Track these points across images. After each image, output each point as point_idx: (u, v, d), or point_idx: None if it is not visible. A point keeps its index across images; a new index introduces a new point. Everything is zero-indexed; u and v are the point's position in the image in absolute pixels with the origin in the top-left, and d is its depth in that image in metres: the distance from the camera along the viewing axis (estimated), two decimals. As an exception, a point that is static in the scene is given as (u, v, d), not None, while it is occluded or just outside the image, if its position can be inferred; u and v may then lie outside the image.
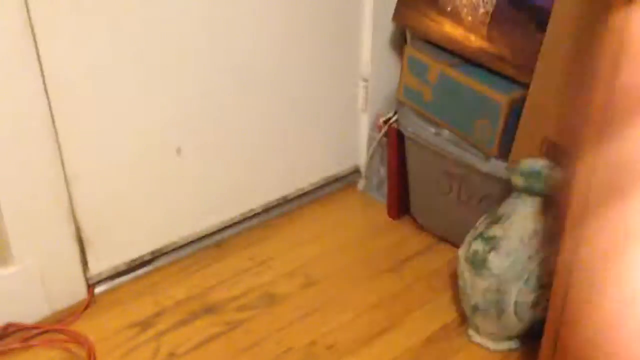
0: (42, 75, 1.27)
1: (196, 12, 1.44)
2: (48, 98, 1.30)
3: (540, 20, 1.38)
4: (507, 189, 1.49)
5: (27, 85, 1.25)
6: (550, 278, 1.31)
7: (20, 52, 1.22)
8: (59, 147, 1.35)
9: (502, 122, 1.45)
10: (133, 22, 1.36)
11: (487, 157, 1.51)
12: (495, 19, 1.46)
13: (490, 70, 1.50)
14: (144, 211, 1.55)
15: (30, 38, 1.23)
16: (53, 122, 1.32)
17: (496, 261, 1.32)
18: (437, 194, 1.68)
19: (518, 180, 1.30)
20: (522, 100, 1.42)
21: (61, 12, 1.26)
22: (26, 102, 1.27)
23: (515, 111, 1.44)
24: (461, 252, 1.40)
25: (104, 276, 1.52)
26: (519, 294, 1.32)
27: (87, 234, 1.47)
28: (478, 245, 1.34)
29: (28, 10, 1.21)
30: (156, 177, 1.54)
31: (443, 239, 1.74)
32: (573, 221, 0.58)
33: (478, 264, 1.33)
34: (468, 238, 1.39)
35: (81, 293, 1.47)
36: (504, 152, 1.48)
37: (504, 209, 1.34)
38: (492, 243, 1.32)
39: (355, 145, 1.94)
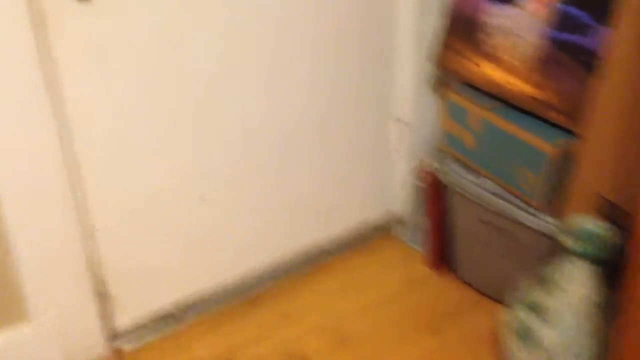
0: (67, 128, 1.23)
1: (221, 59, 1.39)
2: (72, 150, 1.26)
3: (589, 63, 1.26)
4: (553, 245, 1.36)
5: (49, 137, 1.22)
6: (607, 354, 1.17)
7: (44, 104, 1.19)
8: (81, 200, 1.31)
9: (548, 174, 1.33)
10: (157, 72, 1.31)
11: (532, 210, 1.39)
12: (540, 62, 1.35)
13: (535, 117, 1.38)
14: (168, 262, 1.49)
15: (55, 88, 1.19)
16: (79, 176, 1.28)
17: (545, 334, 1.19)
18: (478, 245, 1.56)
19: (570, 242, 1.18)
20: (570, 150, 1.31)
21: (86, 62, 1.22)
22: (48, 154, 1.23)
23: (563, 162, 1.32)
24: (505, 317, 1.28)
25: (126, 331, 1.46)
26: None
27: (109, 287, 1.41)
28: (524, 314, 1.21)
29: (55, 68, 1.18)
30: (180, 226, 1.47)
31: (485, 294, 1.62)
32: None
33: (525, 335, 1.21)
34: (512, 301, 1.27)
35: (101, 350, 1.41)
36: (551, 204, 1.36)
37: (552, 272, 1.22)
38: (539, 312, 1.20)
39: (394, 192, 1.85)
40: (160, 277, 1.49)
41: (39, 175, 1.23)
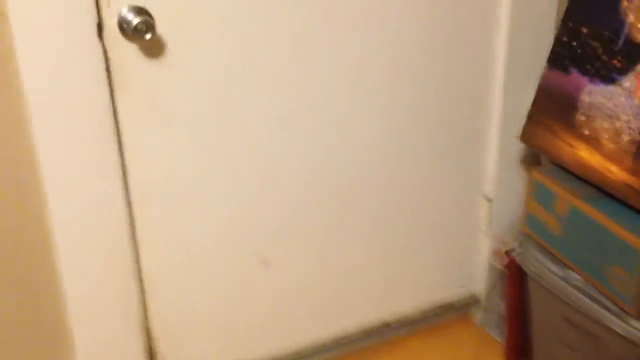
0: (125, 182, 1.23)
1: (284, 117, 1.34)
2: (130, 205, 1.25)
3: (700, 155, 1.11)
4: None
5: (109, 191, 1.21)
6: None
7: (105, 158, 1.19)
8: (137, 254, 1.28)
9: (645, 276, 1.16)
10: (217, 130, 1.29)
11: (624, 315, 1.22)
12: (642, 149, 1.20)
13: (632, 209, 1.23)
14: (222, 324, 1.43)
15: (116, 145, 1.19)
16: (133, 229, 1.27)
17: None
18: (560, 345, 1.39)
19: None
20: (673, 251, 1.14)
21: (148, 117, 1.21)
22: (107, 208, 1.22)
23: (663, 264, 1.15)
24: None
25: (171, 393, 1.41)
26: None
27: (159, 346, 1.37)
28: None
29: (117, 122, 1.18)
30: (238, 288, 1.42)
31: (568, 400, 1.44)
32: None
33: None
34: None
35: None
36: (647, 311, 1.19)
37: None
38: None
39: (473, 271, 1.71)
40: (213, 341, 1.43)
41: (101, 228, 1.22)
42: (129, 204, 1.25)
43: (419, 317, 1.68)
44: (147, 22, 1.11)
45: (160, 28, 1.16)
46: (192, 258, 1.35)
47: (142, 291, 1.32)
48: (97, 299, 1.27)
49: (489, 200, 1.62)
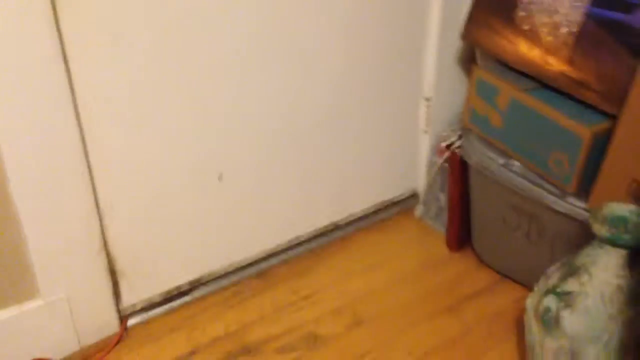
0: (74, 101, 1.18)
1: (242, 34, 1.32)
2: (80, 125, 1.20)
3: (632, 43, 1.20)
4: (585, 231, 1.31)
5: (58, 112, 1.15)
6: (634, 341, 1.14)
7: (51, 77, 1.12)
8: (92, 176, 1.25)
9: (583, 157, 1.27)
10: (173, 46, 1.25)
11: (563, 194, 1.34)
12: (580, 40, 1.28)
13: (570, 98, 1.32)
14: (182, 240, 1.44)
15: (61, 61, 1.13)
16: (85, 150, 1.23)
17: (571, 320, 1.15)
18: (503, 229, 1.51)
19: (601, 228, 1.13)
20: (607, 133, 1.25)
21: (99, 35, 1.16)
22: (58, 129, 1.16)
23: (598, 145, 1.26)
24: (530, 303, 1.24)
25: (137, 308, 1.43)
26: (596, 359, 1.15)
27: (120, 264, 1.37)
28: (551, 302, 1.17)
29: (61, 35, 1.12)
30: (196, 203, 1.43)
31: (507, 276, 1.58)
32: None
33: (550, 322, 1.17)
34: (539, 287, 1.23)
35: (113, 327, 1.37)
36: (583, 189, 1.31)
37: (582, 259, 1.17)
38: (567, 300, 1.16)
39: (414, 169, 1.80)
40: (173, 256, 1.45)
41: (53, 151, 1.17)
42: (79, 122, 1.20)
43: (365, 215, 1.76)
44: None
45: None
46: (148, 177, 1.34)
47: (99, 213, 1.30)
48: (57, 224, 1.23)
49: (428, 99, 1.69)
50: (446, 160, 1.65)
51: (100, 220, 1.30)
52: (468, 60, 1.67)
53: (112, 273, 1.35)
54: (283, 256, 1.63)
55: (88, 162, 1.24)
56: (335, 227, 1.72)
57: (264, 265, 1.60)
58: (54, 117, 1.15)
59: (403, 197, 1.82)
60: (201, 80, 1.31)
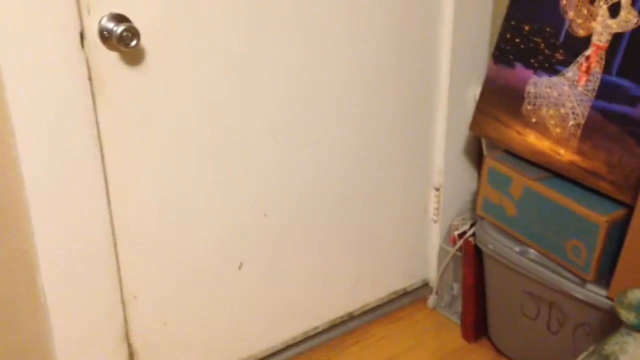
0: (107, 192, 1.20)
1: (263, 128, 1.38)
2: (110, 216, 1.22)
3: (637, 133, 1.26)
4: (606, 319, 1.32)
5: (96, 201, 1.19)
6: None
7: (86, 167, 1.16)
8: (118, 268, 1.26)
9: (600, 245, 1.30)
10: (199, 139, 1.29)
11: (582, 282, 1.35)
12: (587, 132, 1.34)
13: (583, 187, 1.37)
14: (201, 332, 1.43)
15: (98, 153, 1.16)
16: (114, 242, 1.24)
17: (604, 409, 1.14)
18: (521, 318, 1.51)
19: (628, 315, 1.14)
20: (622, 220, 1.28)
21: (129, 126, 1.20)
22: (89, 220, 1.19)
23: (615, 233, 1.29)
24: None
25: (156, 405, 1.39)
26: None
27: (140, 357, 1.35)
28: (581, 390, 1.17)
29: (97, 124, 1.16)
30: (216, 294, 1.43)
31: (526, 367, 1.57)
32: None
33: (582, 412, 1.16)
34: (566, 377, 1.22)
35: None
36: (602, 276, 1.33)
37: (610, 347, 1.18)
38: (598, 388, 1.15)
39: (425, 258, 1.81)
40: (191, 348, 1.43)
41: (82, 239, 1.19)
42: (109, 211, 1.23)
43: (379, 305, 1.76)
44: (132, 29, 1.11)
45: (143, 37, 1.16)
46: (172, 268, 1.35)
47: (122, 305, 1.30)
48: (78, 317, 1.23)
49: (437, 189, 1.73)
50: (459, 249, 1.67)
51: (124, 310, 1.29)
52: (475, 150, 1.72)
53: (133, 368, 1.34)
54: (300, 348, 1.61)
55: (116, 252, 1.25)
56: (350, 318, 1.71)
57: (282, 356, 1.58)
58: (86, 202, 1.17)
59: (415, 287, 1.83)
60: (222, 171, 1.35)
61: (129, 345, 1.33)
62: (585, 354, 1.23)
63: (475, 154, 1.74)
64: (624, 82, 1.29)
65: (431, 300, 1.81)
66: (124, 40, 1.10)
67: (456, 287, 1.74)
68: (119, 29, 1.09)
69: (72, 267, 1.20)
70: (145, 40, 1.16)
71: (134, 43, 1.11)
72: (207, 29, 1.23)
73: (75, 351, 1.24)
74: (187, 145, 1.28)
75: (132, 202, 1.25)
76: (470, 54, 1.62)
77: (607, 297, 1.31)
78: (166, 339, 1.38)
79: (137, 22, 1.14)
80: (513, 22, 1.47)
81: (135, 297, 1.31)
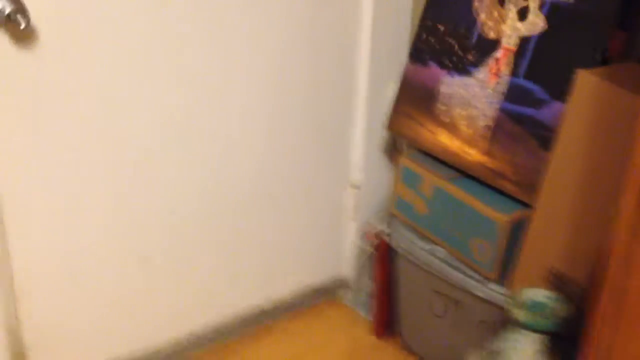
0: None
1: (163, 116, 1.34)
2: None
3: (542, 136, 1.28)
4: (505, 317, 1.34)
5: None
6: None
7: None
8: (9, 260, 1.21)
9: (502, 244, 1.32)
10: (94, 123, 1.25)
11: (486, 281, 1.37)
12: (496, 133, 1.36)
13: (489, 187, 1.39)
14: (100, 324, 1.39)
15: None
16: (3, 232, 1.19)
17: (495, 406, 1.16)
18: (428, 315, 1.53)
19: (519, 314, 1.16)
20: (524, 220, 1.31)
21: (22, 107, 1.15)
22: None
23: (517, 232, 1.32)
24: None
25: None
26: None
27: (28, 350, 1.30)
28: (474, 386, 1.18)
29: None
30: (117, 288, 1.39)
31: (433, 365, 1.58)
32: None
33: (474, 408, 1.17)
34: (463, 374, 1.24)
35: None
36: (505, 276, 1.35)
37: (501, 343, 1.20)
38: (490, 384, 1.17)
39: (342, 255, 1.81)
40: (84, 340, 1.39)
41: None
42: None
43: (292, 301, 1.75)
44: (22, 9, 1.06)
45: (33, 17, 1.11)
46: (67, 261, 1.30)
47: (13, 300, 1.25)
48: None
49: (356, 187, 1.73)
50: (373, 247, 1.67)
51: (15, 304, 1.24)
52: (394, 149, 1.73)
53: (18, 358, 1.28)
54: (208, 341, 1.58)
55: (6, 244, 1.19)
56: (261, 312, 1.69)
57: (188, 350, 1.55)
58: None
59: (329, 284, 1.82)
60: (124, 160, 1.31)
61: (20, 339, 1.27)
62: (478, 350, 1.25)
63: (396, 153, 1.74)
64: (530, 85, 1.32)
65: (346, 297, 1.81)
66: (12, 19, 1.05)
67: (371, 285, 1.74)
68: (7, 8, 1.04)
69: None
70: (37, 21, 1.11)
71: (23, 23, 1.06)
72: (106, 16, 1.19)
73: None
74: (86, 131, 1.24)
75: (24, 189, 1.20)
76: (389, 52, 1.62)
77: (506, 299, 1.33)
78: (60, 334, 1.33)
79: (30, 4, 1.09)
80: (429, 23, 1.48)
81: (27, 291, 1.26)
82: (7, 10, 1.04)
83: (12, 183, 1.18)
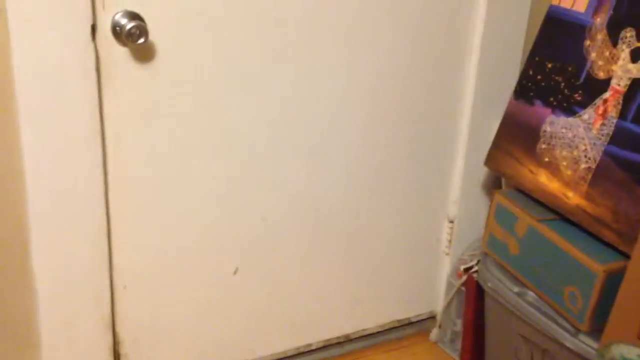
0: (105, 182, 1.25)
1: (266, 135, 1.39)
2: (107, 205, 1.27)
3: (650, 184, 1.20)
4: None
5: (94, 187, 1.23)
6: None
7: (87, 156, 1.21)
8: (111, 256, 1.30)
9: (596, 295, 1.25)
10: (201, 138, 1.32)
11: (576, 332, 1.30)
12: (598, 177, 1.29)
13: (587, 233, 1.31)
14: (190, 332, 1.45)
15: (100, 144, 1.21)
16: (109, 230, 1.28)
17: None
18: (514, 359, 1.46)
19: (607, 370, 1.09)
20: (621, 271, 1.22)
21: (134, 121, 1.24)
22: (84, 207, 1.24)
23: (613, 283, 1.23)
24: None
25: (134, 396, 1.42)
26: None
27: (125, 348, 1.38)
28: None
29: (102, 115, 1.21)
30: (208, 297, 1.44)
31: (519, 415, 1.50)
32: None
33: None
34: None
35: (107, 411, 1.37)
36: (597, 328, 1.27)
37: (587, 401, 1.12)
38: None
39: (433, 290, 1.78)
40: (176, 347, 1.45)
41: (77, 225, 1.24)
42: (106, 203, 1.27)
43: (378, 332, 1.73)
44: (141, 26, 1.15)
45: (152, 34, 1.20)
46: (165, 262, 1.38)
47: (112, 293, 1.34)
48: (66, 298, 1.28)
49: (451, 221, 1.70)
50: (463, 284, 1.63)
51: (112, 298, 1.32)
52: (493, 185, 1.69)
53: (116, 356, 1.36)
54: (288, 362, 1.61)
55: (110, 241, 1.28)
56: (347, 340, 1.69)
57: (267, 369, 1.58)
58: (88, 187, 1.22)
59: (419, 318, 1.79)
60: (224, 173, 1.37)
61: (115, 334, 1.36)
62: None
63: (493, 188, 1.70)
64: (639, 130, 1.24)
65: (434, 333, 1.77)
66: (132, 36, 1.14)
67: (459, 323, 1.69)
68: (129, 25, 1.14)
69: (64, 251, 1.24)
70: (155, 39, 1.20)
71: (141, 40, 1.15)
72: (217, 35, 1.26)
73: (61, 333, 1.28)
74: (188, 145, 1.31)
75: (130, 195, 1.29)
76: (495, 87, 1.60)
77: (596, 352, 1.24)
78: (152, 332, 1.40)
79: (150, 21, 1.19)
80: (537, 59, 1.45)
81: (125, 287, 1.34)
82: (129, 27, 1.14)
83: (120, 187, 1.27)
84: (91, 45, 1.15)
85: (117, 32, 1.17)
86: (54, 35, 1.11)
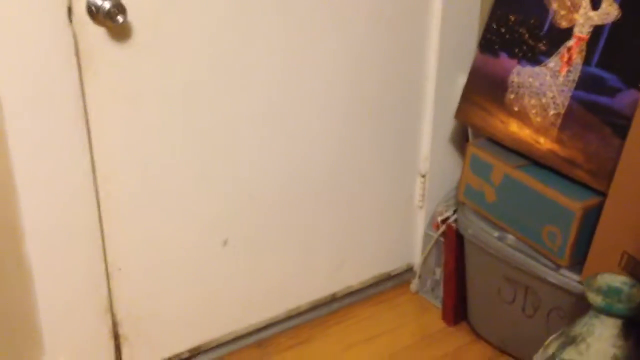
0: (92, 165, 1.23)
1: (250, 111, 1.40)
2: (96, 189, 1.26)
3: (616, 124, 1.28)
4: (579, 303, 1.35)
5: (82, 174, 1.22)
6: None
7: (72, 141, 1.19)
8: (103, 238, 1.30)
9: (575, 231, 1.33)
10: (186, 116, 1.32)
11: (557, 267, 1.39)
12: (567, 121, 1.37)
13: (560, 175, 1.40)
14: (185, 306, 1.47)
15: (84, 127, 1.20)
16: (99, 214, 1.28)
17: (570, 390, 1.17)
18: (498, 302, 1.55)
19: (596, 298, 1.17)
20: (596, 208, 1.31)
21: (116, 101, 1.23)
22: (73, 192, 1.23)
23: (589, 219, 1.32)
24: (528, 373, 1.27)
25: (138, 375, 1.43)
26: None
27: (124, 329, 1.39)
28: (549, 370, 1.20)
29: (84, 98, 1.19)
30: (200, 271, 1.46)
31: (503, 351, 1.60)
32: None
33: (549, 391, 1.19)
34: (538, 358, 1.26)
35: (113, 392, 1.38)
36: (576, 262, 1.36)
37: (579, 328, 1.21)
38: (565, 368, 1.18)
39: (410, 243, 1.84)
40: (174, 323, 1.47)
41: (68, 211, 1.23)
42: (95, 187, 1.26)
43: (362, 288, 1.79)
44: (119, 5, 1.13)
45: (130, 13, 1.18)
46: (157, 243, 1.38)
47: (107, 276, 1.34)
48: (62, 288, 1.27)
49: (423, 176, 1.76)
50: (442, 234, 1.70)
51: (108, 281, 1.33)
52: (461, 138, 1.75)
53: (116, 337, 1.37)
54: (282, 326, 1.65)
55: (101, 224, 1.28)
56: (333, 299, 1.74)
57: (264, 334, 1.62)
58: (72, 174, 1.21)
59: (399, 271, 1.86)
60: (208, 150, 1.38)
61: (113, 315, 1.36)
62: (556, 334, 1.26)
63: (462, 141, 1.77)
64: (604, 74, 1.32)
65: (414, 284, 1.85)
66: (110, 15, 1.12)
67: (438, 272, 1.77)
68: (106, 4, 1.12)
69: (57, 237, 1.23)
70: (133, 17, 1.19)
71: (120, 19, 1.13)
72: (196, 10, 1.26)
73: (60, 319, 1.28)
74: (173, 122, 1.31)
75: (118, 176, 1.28)
76: (458, 42, 1.65)
77: (580, 282, 1.34)
78: (149, 311, 1.42)
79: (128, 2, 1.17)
80: (499, 12, 1.50)
81: (119, 269, 1.34)
82: (107, 7, 1.12)
83: (107, 171, 1.26)
84: (69, 29, 1.13)
85: (93, 12, 1.15)
86: (30, 21, 1.08)
